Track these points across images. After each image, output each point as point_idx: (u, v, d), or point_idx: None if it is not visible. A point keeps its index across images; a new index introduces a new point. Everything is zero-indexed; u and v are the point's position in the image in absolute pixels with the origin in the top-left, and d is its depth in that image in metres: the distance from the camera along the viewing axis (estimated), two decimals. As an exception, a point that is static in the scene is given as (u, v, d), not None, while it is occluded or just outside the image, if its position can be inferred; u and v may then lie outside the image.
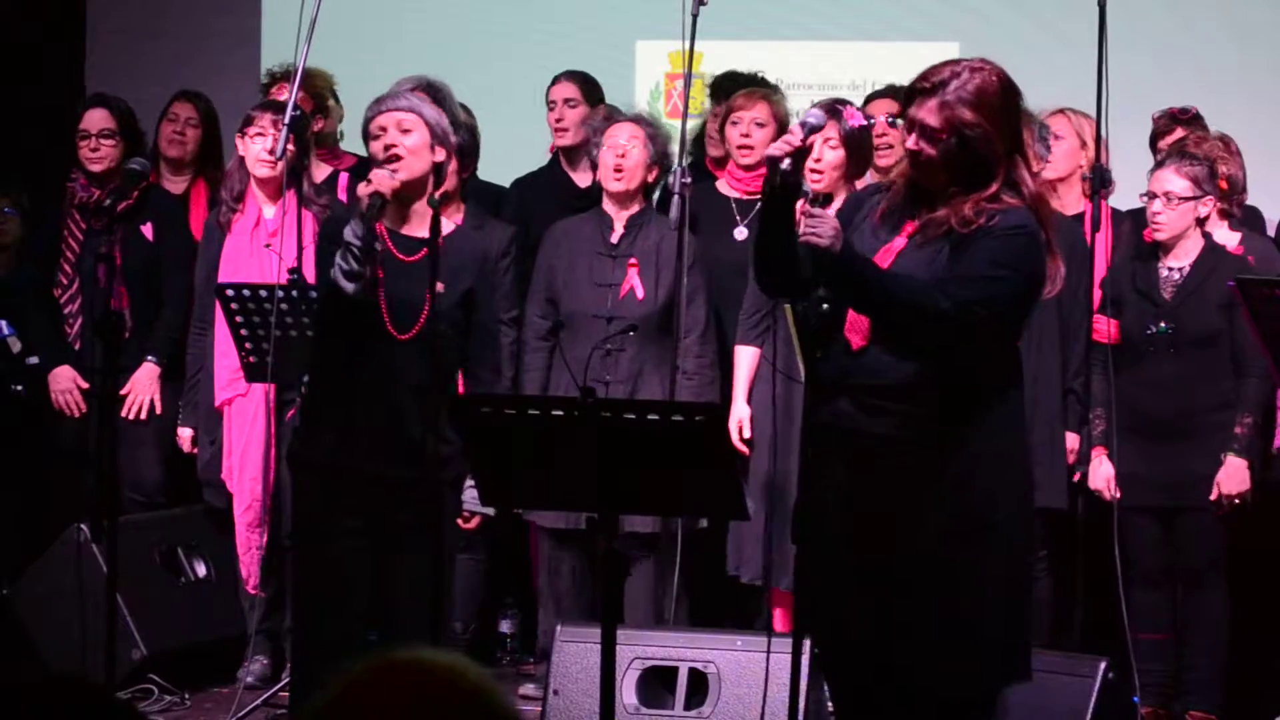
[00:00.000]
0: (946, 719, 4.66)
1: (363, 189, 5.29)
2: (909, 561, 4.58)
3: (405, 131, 5.39)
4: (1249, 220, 7.14)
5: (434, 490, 5.28)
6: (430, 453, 5.26)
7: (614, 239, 6.91)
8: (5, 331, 7.53)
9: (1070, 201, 6.88)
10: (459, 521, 5.61)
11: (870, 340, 4.63)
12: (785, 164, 4.54)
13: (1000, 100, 4.61)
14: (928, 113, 4.59)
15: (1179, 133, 7.04)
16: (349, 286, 5.24)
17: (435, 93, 7.30)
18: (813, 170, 6.58)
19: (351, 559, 5.35)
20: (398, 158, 5.34)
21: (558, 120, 7.59)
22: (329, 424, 5.39)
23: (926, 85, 4.61)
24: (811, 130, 4.59)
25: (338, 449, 5.35)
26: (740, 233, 7.09)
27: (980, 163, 4.58)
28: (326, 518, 5.37)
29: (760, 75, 7.72)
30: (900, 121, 7.14)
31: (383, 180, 5.28)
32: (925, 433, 4.57)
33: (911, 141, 4.63)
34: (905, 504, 4.58)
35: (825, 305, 4.64)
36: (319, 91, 7.51)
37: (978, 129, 4.56)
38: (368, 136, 5.44)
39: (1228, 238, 6.78)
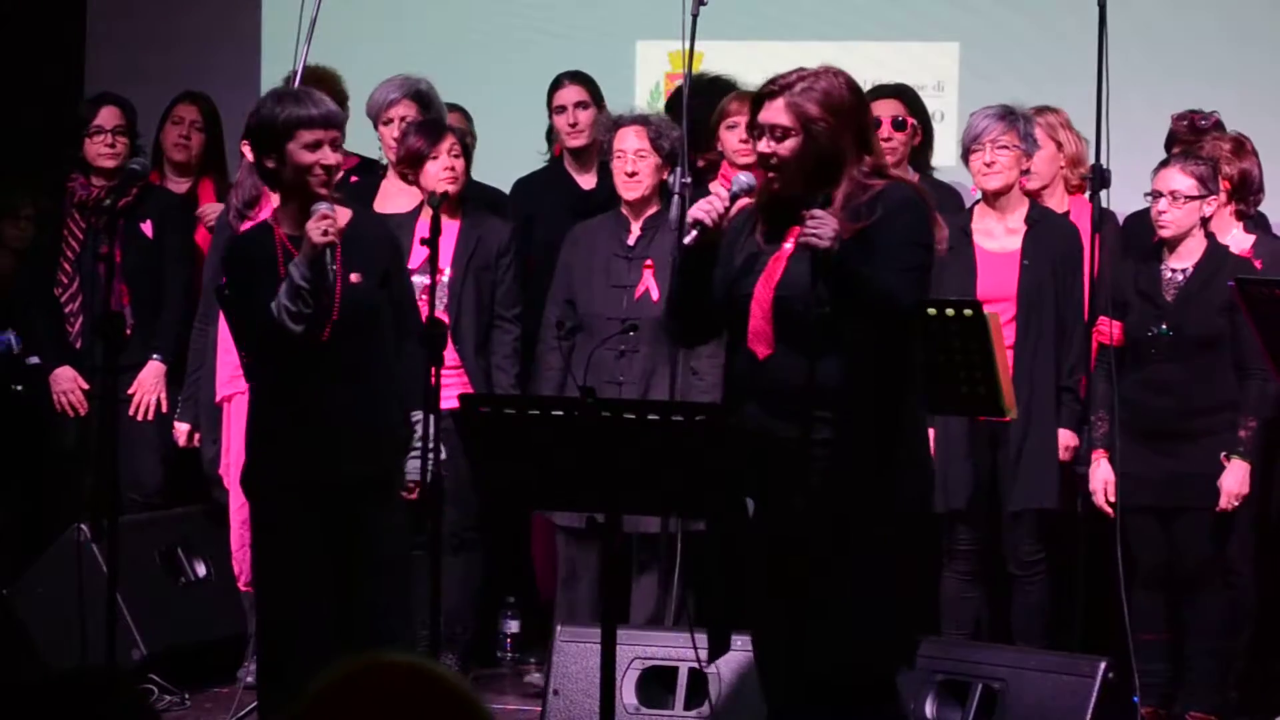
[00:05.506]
0: (849, 705, 4.80)
1: (317, 236, 5.24)
2: (817, 558, 4.71)
3: (336, 149, 5.40)
4: (1255, 222, 7.13)
5: (397, 487, 5.31)
6: (384, 448, 5.28)
7: (630, 241, 6.91)
8: (14, 345, 7.54)
9: (1054, 203, 6.93)
10: (402, 494, 5.56)
11: (774, 348, 4.76)
12: (711, 224, 4.74)
13: (848, 100, 4.78)
14: (775, 113, 4.77)
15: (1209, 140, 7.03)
16: (296, 328, 5.22)
17: (421, 98, 7.30)
18: None
19: (314, 564, 5.32)
20: (333, 180, 5.37)
21: (571, 124, 7.57)
22: (272, 433, 5.37)
23: (774, 88, 4.79)
24: (738, 194, 4.80)
25: (286, 458, 5.33)
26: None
27: (829, 159, 4.73)
28: (285, 526, 5.34)
29: (719, 75, 7.70)
30: (906, 122, 7.25)
31: (334, 223, 5.26)
32: (832, 434, 4.71)
33: (763, 144, 4.79)
34: (813, 502, 4.71)
35: (825, 308, 4.70)
36: (337, 93, 7.48)
37: (823, 123, 4.72)
38: (286, 136, 5.34)
39: (1242, 239, 6.79)
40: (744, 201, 4.83)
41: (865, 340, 4.73)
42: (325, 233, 5.24)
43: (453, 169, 6.91)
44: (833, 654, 4.74)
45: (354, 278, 5.33)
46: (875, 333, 4.73)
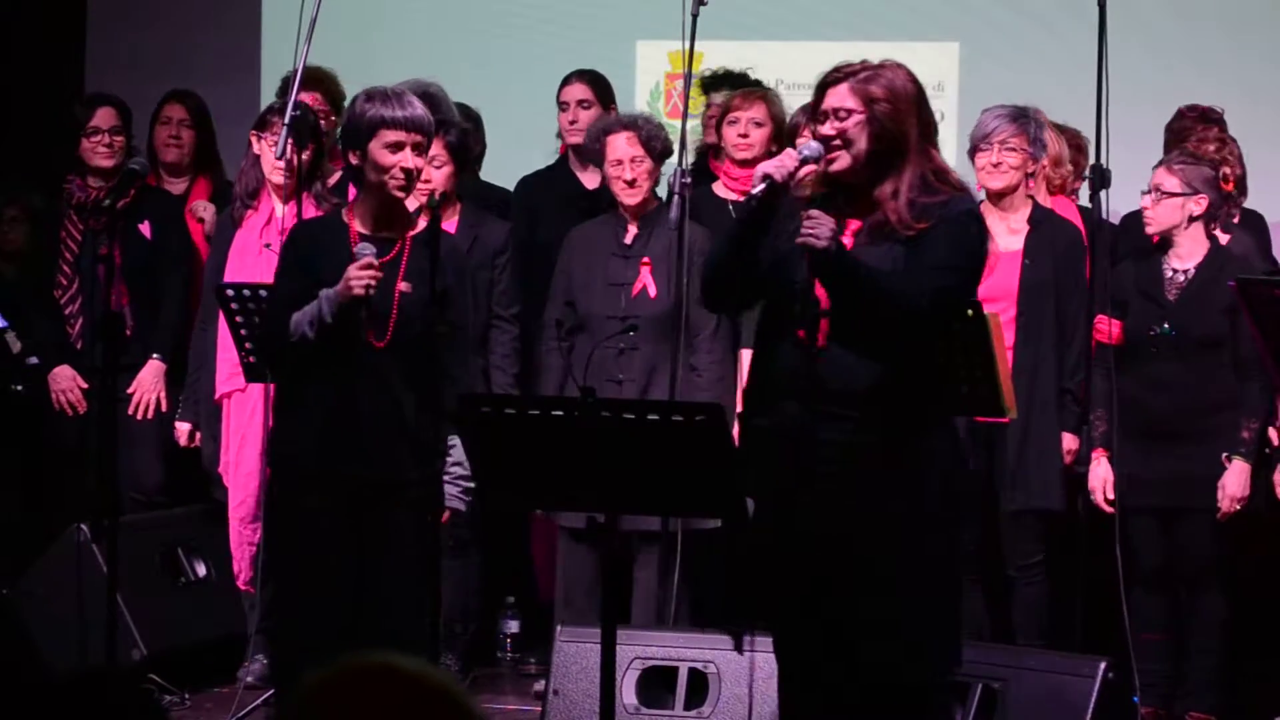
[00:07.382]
0: (901, 707, 4.76)
1: (357, 288, 5.17)
2: (863, 560, 4.68)
3: (419, 154, 5.37)
4: (1251, 224, 7.14)
5: (423, 493, 5.25)
6: (417, 455, 5.26)
7: (628, 239, 6.92)
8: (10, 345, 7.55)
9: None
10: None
11: (827, 343, 4.70)
12: (779, 179, 4.70)
13: (909, 88, 4.80)
14: (839, 97, 4.77)
15: (1197, 132, 7.04)
16: (302, 350, 5.22)
17: (430, 99, 7.28)
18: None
19: (334, 562, 5.26)
20: (413, 184, 5.34)
21: (571, 121, 7.59)
22: (311, 427, 5.30)
23: (838, 75, 4.80)
24: (807, 160, 4.75)
25: (321, 453, 5.27)
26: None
27: (892, 143, 4.72)
28: (309, 521, 5.29)
29: (750, 72, 7.72)
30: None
31: (377, 276, 5.20)
32: (878, 436, 4.67)
33: (826, 127, 4.77)
34: (857, 505, 4.68)
35: (819, 307, 4.69)
36: (336, 94, 7.47)
37: (886, 104, 4.73)
38: (369, 134, 5.32)
39: (1219, 237, 6.79)
40: (810, 168, 4.78)
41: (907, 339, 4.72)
42: (367, 287, 5.20)
43: (428, 181, 6.88)
44: (887, 658, 4.72)
45: (404, 286, 5.30)
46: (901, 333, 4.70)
